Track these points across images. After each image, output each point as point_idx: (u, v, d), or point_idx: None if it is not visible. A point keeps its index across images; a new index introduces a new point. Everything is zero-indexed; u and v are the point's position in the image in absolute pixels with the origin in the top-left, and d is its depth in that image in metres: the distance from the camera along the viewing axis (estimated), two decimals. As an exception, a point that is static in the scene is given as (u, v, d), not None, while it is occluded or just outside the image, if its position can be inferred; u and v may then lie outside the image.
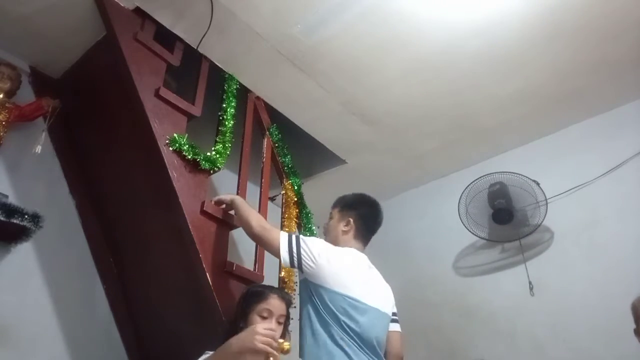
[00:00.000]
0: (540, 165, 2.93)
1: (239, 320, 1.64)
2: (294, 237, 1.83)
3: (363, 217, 1.99)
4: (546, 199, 2.68)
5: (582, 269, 2.59)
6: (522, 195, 2.73)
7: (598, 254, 2.57)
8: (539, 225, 2.71)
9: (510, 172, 2.76)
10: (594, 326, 2.42)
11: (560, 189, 2.79)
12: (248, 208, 2.04)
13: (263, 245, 1.95)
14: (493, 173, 2.81)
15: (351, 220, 1.97)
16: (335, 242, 1.95)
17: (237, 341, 1.47)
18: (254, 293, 1.70)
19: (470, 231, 2.87)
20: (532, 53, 2.50)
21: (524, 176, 2.73)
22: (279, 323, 1.63)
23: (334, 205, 2.08)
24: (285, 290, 2.30)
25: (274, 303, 1.65)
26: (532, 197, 2.70)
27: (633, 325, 1.70)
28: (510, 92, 2.74)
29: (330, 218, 2.06)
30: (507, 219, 2.76)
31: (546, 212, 2.68)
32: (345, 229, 1.97)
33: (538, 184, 2.72)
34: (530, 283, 2.74)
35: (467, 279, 3.03)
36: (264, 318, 1.61)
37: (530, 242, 2.81)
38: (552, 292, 2.66)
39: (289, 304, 1.73)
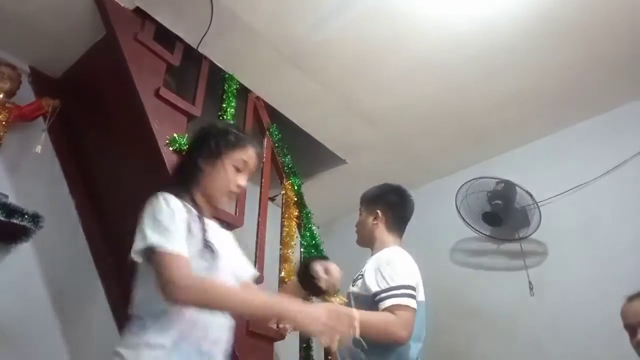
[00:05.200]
0: (540, 166, 2.93)
1: (203, 158, 1.35)
2: (402, 295, 1.61)
3: (390, 206, 1.91)
4: (546, 199, 2.68)
5: (582, 269, 2.59)
6: (522, 195, 2.73)
7: (598, 254, 2.56)
8: (540, 225, 2.70)
9: (505, 180, 2.77)
10: (593, 326, 2.42)
11: (560, 189, 2.79)
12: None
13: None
14: (484, 177, 2.80)
15: (379, 212, 1.89)
16: (369, 239, 1.90)
17: (303, 315, 1.15)
18: (232, 135, 1.39)
19: (471, 228, 2.87)
20: (532, 53, 2.50)
21: (519, 186, 2.74)
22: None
23: (361, 202, 2.00)
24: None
25: (253, 156, 1.41)
26: (533, 197, 2.70)
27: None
28: (510, 92, 2.74)
29: (360, 215, 1.98)
30: (496, 221, 2.76)
31: (546, 212, 2.68)
32: (375, 222, 1.89)
33: (531, 195, 2.72)
34: (530, 283, 2.74)
35: (467, 279, 3.02)
36: (237, 170, 1.37)
37: (530, 242, 2.81)
38: (552, 292, 2.66)
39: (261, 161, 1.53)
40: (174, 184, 1.34)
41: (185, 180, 1.35)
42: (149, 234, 1.14)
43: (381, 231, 1.88)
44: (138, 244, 1.15)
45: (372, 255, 1.87)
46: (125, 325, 1.25)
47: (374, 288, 1.63)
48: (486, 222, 2.81)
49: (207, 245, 1.22)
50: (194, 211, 1.27)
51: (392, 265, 1.69)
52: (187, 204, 1.26)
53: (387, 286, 1.61)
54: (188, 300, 1.12)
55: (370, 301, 1.64)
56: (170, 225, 1.16)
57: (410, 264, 1.74)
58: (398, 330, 1.53)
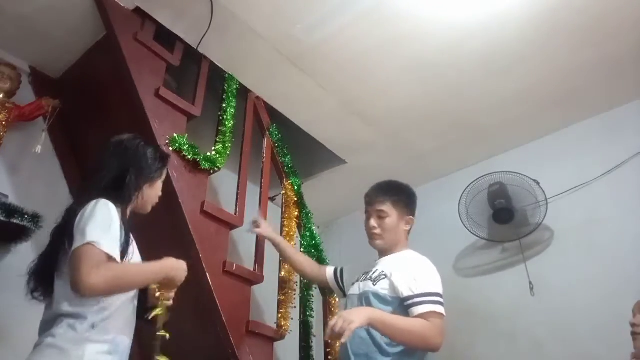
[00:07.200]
0: (540, 165, 2.93)
1: (144, 178, 1.46)
2: (436, 302, 1.62)
3: (414, 212, 1.86)
4: (546, 199, 2.67)
5: (582, 269, 2.59)
6: (523, 194, 2.73)
7: (598, 254, 2.56)
8: (539, 225, 2.70)
9: (510, 172, 2.76)
10: (594, 326, 2.42)
11: (560, 189, 2.79)
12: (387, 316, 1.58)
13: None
14: (493, 173, 2.80)
15: (413, 218, 1.85)
16: (396, 244, 1.82)
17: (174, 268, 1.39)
18: (165, 157, 1.57)
19: (470, 231, 2.86)
20: (532, 52, 2.50)
21: (524, 175, 2.73)
22: None
23: (382, 198, 1.82)
24: (286, 290, 2.31)
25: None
26: (533, 197, 2.70)
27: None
28: (510, 91, 2.74)
29: (385, 215, 1.80)
30: (508, 218, 2.75)
31: (546, 211, 2.68)
32: (407, 227, 1.83)
33: (538, 183, 2.71)
34: (530, 283, 2.74)
35: (467, 279, 3.02)
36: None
37: (530, 242, 2.81)
38: (552, 292, 2.66)
39: None
40: (110, 193, 1.36)
41: (120, 194, 1.40)
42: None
43: (406, 240, 1.86)
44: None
45: (385, 255, 1.82)
46: (59, 320, 1.27)
47: (406, 292, 1.62)
48: (497, 222, 2.79)
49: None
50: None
51: (426, 272, 1.70)
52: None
53: (422, 292, 1.61)
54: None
55: (397, 303, 1.64)
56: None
57: (436, 270, 1.74)
58: (435, 338, 1.54)
